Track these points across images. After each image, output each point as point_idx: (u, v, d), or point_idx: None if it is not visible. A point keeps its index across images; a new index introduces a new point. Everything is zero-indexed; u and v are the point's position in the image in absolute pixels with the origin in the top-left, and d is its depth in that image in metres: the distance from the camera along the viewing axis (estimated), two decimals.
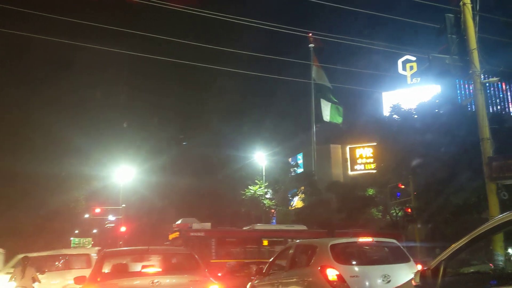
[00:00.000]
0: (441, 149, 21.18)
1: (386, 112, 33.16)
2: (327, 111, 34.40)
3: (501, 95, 56.36)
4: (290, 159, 42.05)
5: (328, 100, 34.40)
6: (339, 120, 35.04)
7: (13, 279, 10.60)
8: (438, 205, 21.39)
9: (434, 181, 21.49)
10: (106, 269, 6.88)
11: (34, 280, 10.71)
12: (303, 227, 24.10)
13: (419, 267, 6.74)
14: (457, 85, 47.15)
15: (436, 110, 24.52)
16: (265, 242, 22.74)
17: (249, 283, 10.55)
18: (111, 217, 46.01)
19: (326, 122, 35.81)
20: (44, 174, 26.93)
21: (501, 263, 9.49)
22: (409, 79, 41.85)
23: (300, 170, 39.70)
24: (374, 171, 34.13)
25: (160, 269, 6.62)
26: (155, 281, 6.00)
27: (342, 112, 35.03)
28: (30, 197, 27.50)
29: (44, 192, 28.44)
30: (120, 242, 37.68)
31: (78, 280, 7.01)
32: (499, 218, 3.53)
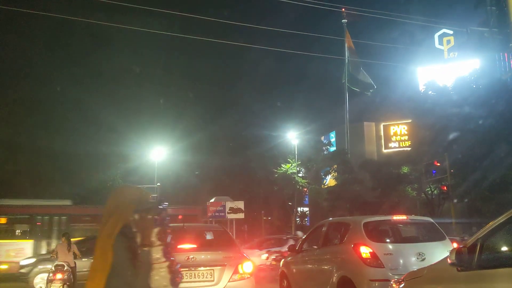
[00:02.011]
0: (479, 121, 20.56)
1: (421, 88, 32.29)
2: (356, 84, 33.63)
3: None
4: (322, 138, 41.74)
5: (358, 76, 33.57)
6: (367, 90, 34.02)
7: (56, 254, 11.06)
8: (475, 182, 20.86)
9: (471, 158, 20.93)
10: None
11: (76, 255, 11.16)
12: (66, 202, 21.22)
13: (455, 245, 6.64)
14: (496, 59, 45.25)
15: (474, 86, 23.71)
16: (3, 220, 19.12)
17: (282, 260, 10.68)
18: None
19: (360, 97, 35.19)
20: (83, 153, 27.83)
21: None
22: (446, 53, 40.41)
23: (333, 149, 39.40)
24: (409, 148, 33.51)
25: (195, 246, 6.76)
26: (191, 257, 6.14)
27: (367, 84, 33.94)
28: (70, 176, 28.51)
29: (83, 171, 29.42)
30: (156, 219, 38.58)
31: None
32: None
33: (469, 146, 20.53)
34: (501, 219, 3.47)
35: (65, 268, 10.51)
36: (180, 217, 17.89)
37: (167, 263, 2.54)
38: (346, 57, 33.06)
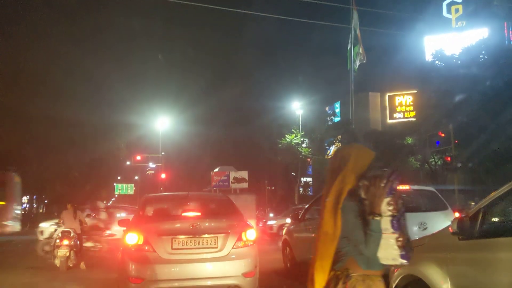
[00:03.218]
0: (486, 83, 20.39)
1: (428, 57, 31.83)
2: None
3: None
4: (327, 108, 41.55)
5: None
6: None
7: (62, 221, 11.22)
8: (479, 153, 20.83)
9: (475, 125, 20.82)
10: (148, 213, 7.18)
11: (82, 223, 11.33)
12: None
13: (457, 215, 6.69)
14: (506, 28, 44.38)
15: (481, 56, 23.35)
16: None
17: (285, 228, 10.81)
18: (151, 165, 47.46)
19: (366, 67, 34.65)
20: (88, 122, 27.85)
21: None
22: (454, 22, 39.61)
23: (337, 119, 39.28)
24: (414, 119, 33.34)
25: (199, 213, 6.83)
26: (195, 224, 6.21)
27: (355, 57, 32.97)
28: (76, 144, 28.62)
29: (89, 139, 29.52)
30: (161, 188, 39.04)
31: (122, 222, 7.36)
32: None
33: (474, 111, 20.35)
34: (503, 189, 3.48)
35: (72, 234, 10.69)
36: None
37: (395, 235, 2.35)
38: (353, 25, 32.45)
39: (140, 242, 6.07)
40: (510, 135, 19.16)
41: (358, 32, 32.18)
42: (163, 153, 41.05)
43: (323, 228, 2.46)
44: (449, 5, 39.71)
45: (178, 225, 6.40)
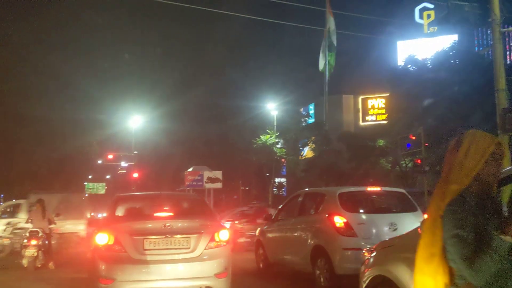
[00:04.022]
0: (455, 88, 20.94)
1: (400, 62, 32.44)
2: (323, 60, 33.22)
3: None
4: (301, 109, 41.85)
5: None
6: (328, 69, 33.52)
7: (30, 221, 10.96)
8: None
9: (444, 132, 21.35)
10: (119, 213, 7.08)
11: (51, 222, 11.09)
12: None
13: (426, 216, 6.83)
14: (475, 35, 45.61)
15: (452, 60, 23.97)
16: None
17: (258, 228, 10.83)
18: (123, 164, 46.81)
19: (340, 69, 35.09)
20: (58, 119, 27.32)
21: (506, 214, 9.59)
22: (426, 28, 40.49)
23: (311, 120, 39.59)
24: (386, 122, 33.90)
25: (171, 214, 6.78)
26: (167, 224, 6.16)
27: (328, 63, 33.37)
28: (44, 141, 28.01)
29: (58, 136, 28.94)
30: (133, 188, 38.55)
31: (92, 222, 7.24)
32: (509, 169, 3.51)
33: (444, 114, 20.88)
34: None
35: (40, 234, 10.45)
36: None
37: None
38: (327, 28, 32.78)
39: (111, 242, 5.98)
40: None
41: (334, 40, 32.55)
42: (135, 152, 40.54)
43: (425, 249, 1.96)
44: (422, 11, 40.58)
45: (150, 225, 6.34)
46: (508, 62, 37.46)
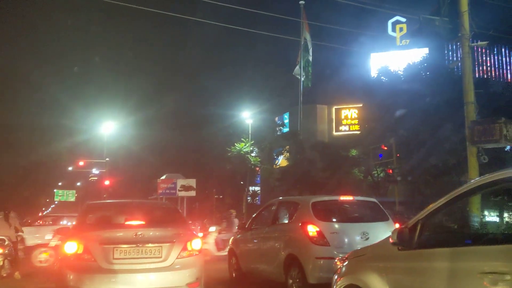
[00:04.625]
0: (426, 99, 21.50)
1: (373, 73, 33.03)
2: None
3: (487, 59, 56.39)
4: (276, 118, 42.06)
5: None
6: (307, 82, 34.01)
7: None
8: (419, 166, 21.80)
9: (415, 143, 21.82)
10: (89, 221, 6.92)
11: (17, 230, 10.76)
12: None
13: (397, 225, 6.93)
14: (446, 49, 46.92)
15: (423, 73, 24.57)
16: None
17: (231, 237, 10.77)
18: (95, 171, 45.94)
19: (314, 79, 35.45)
20: (26, 125, 26.68)
21: (476, 224, 9.79)
22: (398, 40, 41.45)
23: (286, 130, 39.82)
24: (358, 132, 34.39)
25: (143, 222, 6.68)
26: (139, 233, 6.05)
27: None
28: (11, 148, 27.28)
29: (26, 143, 28.24)
30: (104, 196, 37.85)
31: (60, 231, 7.06)
32: (477, 180, 3.60)
33: (415, 125, 21.34)
34: (440, 201, 3.63)
35: (6, 243, 10.12)
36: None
37: None
38: (303, 38, 33.16)
39: (80, 251, 5.83)
40: (447, 150, 20.18)
41: (310, 51, 32.96)
42: (107, 159, 39.87)
43: None
44: (394, 24, 41.56)
45: (121, 233, 6.22)
46: (477, 76, 38.66)
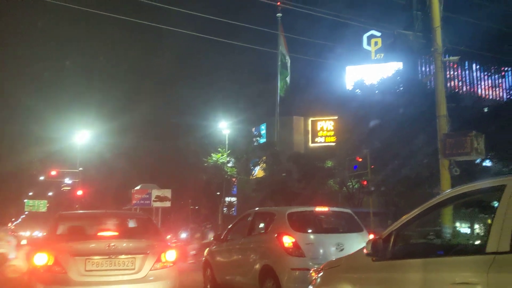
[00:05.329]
0: (399, 110, 21.94)
1: (349, 86, 33.53)
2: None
3: (457, 74, 57.97)
4: (253, 129, 42.15)
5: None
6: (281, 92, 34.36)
7: None
8: (393, 178, 22.14)
9: (389, 154, 22.17)
10: (61, 232, 6.77)
11: None
12: None
13: (371, 236, 6.99)
14: (419, 63, 48.06)
15: (397, 87, 25.08)
16: None
17: (207, 249, 10.67)
18: (67, 180, 44.99)
19: (291, 91, 35.85)
20: None
21: (448, 235, 9.96)
22: (373, 54, 42.27)
23: (263, 140, 39.92)
24: (334, 144, 34.75)
25: (117, 233, 6.57)
26: (112, 244, 5.94)
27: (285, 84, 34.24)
28: None
29: None
30: (77, 206, 37.06)
31: (31, 241, 6.88)
32: (449, 192, 3.68)
33: (388, 137, 21.69)
34: (413, 213, 3.69)
35: None
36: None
37: None
38: (279, 50, 33.48)
39: (50, 262, 5.68)
40: (420, 162, 20.56)
41: (288, 62, 33.31)
42: (81, 168, 39.12)
43: None
44: (369, 38, 42.40)
45: (93, 245, 6.09)
46: (449, 90, 39.62)
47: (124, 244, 6.11)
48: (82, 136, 36.93)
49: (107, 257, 5.82)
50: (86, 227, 7.14)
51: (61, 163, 42.05)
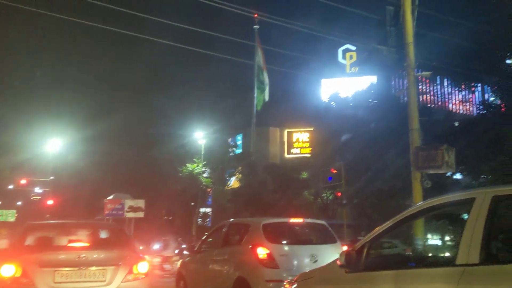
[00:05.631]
0: (371, 125, 22.33)
1: (324, 98, 33.93)
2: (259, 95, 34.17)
3: (429, 89, 59.36)
4: (229, 139, 42.10)
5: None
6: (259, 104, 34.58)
7: None
8: (366, 190, 22.42)
9: (362, 167, 22.48)
10: (29, 243, 6.58)
11: None
12: None
13: (345, 248, 7.03)
14: (393, 77, 49.09)
15: (370, 100, 25.53)
16: None
17: (180, 260, 10.53)
18: (37, 190, 43.90)
19: (267, 102, 36.02)
20: None
21: (420, 246, 10.11)
22: (348, 68, 42.98)
23: (239, 151, 39.90)
24: (309, 155, 35.01)
25: (87, 244, 6.42)
26: (82, 256, 5.81)
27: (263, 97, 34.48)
28: None
29: None
30: (47, 216, 36.13)
31: None
32: (421, 204, 3.75)
33: (362, 150, 22.03)
34: (385, 225, 3.74)
35: None
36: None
37: None
38: (256, 62, 33.66)
39: (18, 274, 5.51)
40: (393, 175, 20.90)
41: (266, 75, 33.50)
42: (52, 177, 38.26)
43: None
44: (344, 52, 43.14)
45: (63, 256, 5.94)
46: (421, 104, 40.50)
47: (95, 255, 5.98)
48: (54, 144, 36.18)
49: (77, 268, 5.69)
50: (55, 237, 6.96)
51: (32, 172, 41.07)
